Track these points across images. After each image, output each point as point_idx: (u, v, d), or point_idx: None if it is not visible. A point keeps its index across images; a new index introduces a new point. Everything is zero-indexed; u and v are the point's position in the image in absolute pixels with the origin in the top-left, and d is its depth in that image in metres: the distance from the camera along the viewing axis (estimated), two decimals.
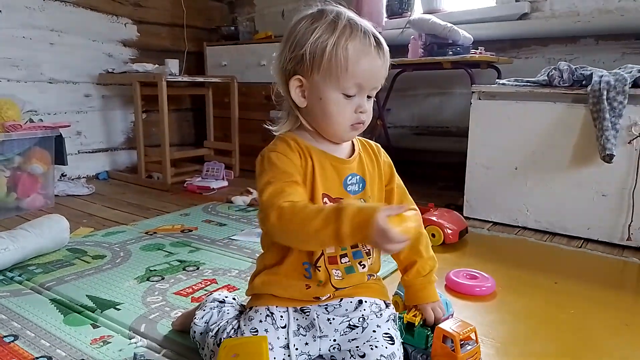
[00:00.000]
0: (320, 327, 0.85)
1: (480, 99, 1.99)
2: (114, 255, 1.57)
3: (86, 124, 2.84)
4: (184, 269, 1.46)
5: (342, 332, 0.86)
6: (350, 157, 0.87)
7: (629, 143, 1.66)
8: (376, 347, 0.81)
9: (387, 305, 0.91)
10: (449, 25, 2.27)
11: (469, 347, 0.89)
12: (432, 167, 2.83)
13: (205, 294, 1.26)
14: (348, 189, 0.85)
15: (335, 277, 0.84)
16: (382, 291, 0.93)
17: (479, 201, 2.01)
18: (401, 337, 0.91)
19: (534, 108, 1.85)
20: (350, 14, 0.81)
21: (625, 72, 1.69)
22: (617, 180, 1.70)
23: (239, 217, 2.03)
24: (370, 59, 0.79)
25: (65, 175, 2.71)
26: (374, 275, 0.92)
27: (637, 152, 1.65)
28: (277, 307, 0.86)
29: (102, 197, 2.41)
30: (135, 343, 1.03)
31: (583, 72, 1.78)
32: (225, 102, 3.01)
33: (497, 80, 2.10)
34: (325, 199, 0.82)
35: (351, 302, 0.88)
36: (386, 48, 0.82)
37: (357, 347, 0.82)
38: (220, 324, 0.91)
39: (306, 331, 0.86)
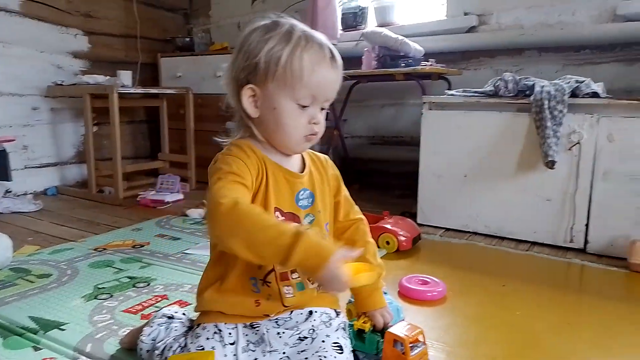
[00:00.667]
0: (270, 342, 0.85)
1: (430, 109, 2.04)
2: (61, 274, 1.51)
3: (33, 137, 2.73)
4: (134, 286, 1.42)
5: (291, 345, 0.85)
6: (302, 171, 0.88)
7: (569, 150, 1.75)
8: (325, 357, 0.81)
9: (337, 314, 0.92)
10: (401, 38, 2.33)
11: (418, 349, 0.91)
12: (389, 176, 2.87)
13: (155, 311, 1.23)
14: (299, 204, 0.85)
15: (287, 296, 0.84)
16: (333, 300, 0.93)
17: (432, 208, 2.06)
18: (352, 344, 0.92)
19: (481, 117, 1.92)
20: (304, 27, 0.82)
21: (564, 83, 1.78)
22: (560, 186, 1.78)
23: (193, 231, 2.00)
24: (325, 70, 0.80)
25: (11, 191, 2.59)
26: None
27: (576, 158, 1.74)
28: (225, 323, 0.85)
29: (50, 214, 2.32)
30: None
31: (526, 82, 1.86)
32: (180, 113, 2.97)
33: (446, 91, 2.17)
34: (277, 213, 0.82)
35: (301, 313, 0.88)
36: (340, 61, 0.83)
37: (306, 358, 0.82)
38: (167, 342, 0.90)
39: (256, 346, 0.85)
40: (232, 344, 0.84)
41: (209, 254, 0.89)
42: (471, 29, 2.54)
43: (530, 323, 1.22)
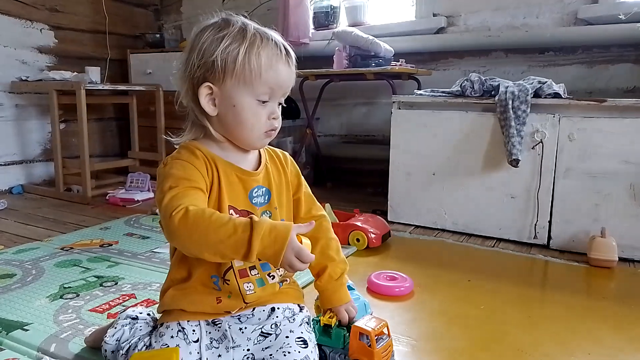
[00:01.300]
0: (232, 338, 0.85)
1: (399, 108, 2.08)
2: (25, 274, 1.48)
3: None
4: (101, 285, 1.40)
5: (255, 341, 0.86)
6: (257, 168, 0.88)
7: (532, 148, 1.81)
8: (289, 352, 0.82)
9: (301, 309, 0.93)
10: (371, 38, 2.36)
11: (383, 342, 0.93)
12: (361, 174, 2.90)
13: (122, 310, 1.21)
14: (254, 201, 0.86)
15: (248, 292, 0.85)
16: (296, 295, 0.95)
17: (402, 206, 2.09)
18: (317, 339, 0.93)
19: (448, 117, 1.96)
20: (255, 24, 0.83)
21: (528, 83, 1.84)
22: (524, 183, 1.83)
23: None
24: (282, 65, 0.82)
25: None
26: (287, 281, 0.93)
27: (540, 157, 1.80)
28: (188, 321, 0.85)
29: (16, 213, 2.26)
30: None
31: (492, 83, 1.91)
32: (151, 111, 2.93)
33: (415, 90, 2.21)
34: (232, 211, 0.83)
35: (264, 310, 0.89)
36: (294, 56, 0.85)
37: (271, 354, 0.83)
38: (132, 341, 0.89)
39: (219, 343, 0.86)
40: (195, 341, 0.84)
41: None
42: (440, 30, 2.59)
43: (494, 317, 1.26)
